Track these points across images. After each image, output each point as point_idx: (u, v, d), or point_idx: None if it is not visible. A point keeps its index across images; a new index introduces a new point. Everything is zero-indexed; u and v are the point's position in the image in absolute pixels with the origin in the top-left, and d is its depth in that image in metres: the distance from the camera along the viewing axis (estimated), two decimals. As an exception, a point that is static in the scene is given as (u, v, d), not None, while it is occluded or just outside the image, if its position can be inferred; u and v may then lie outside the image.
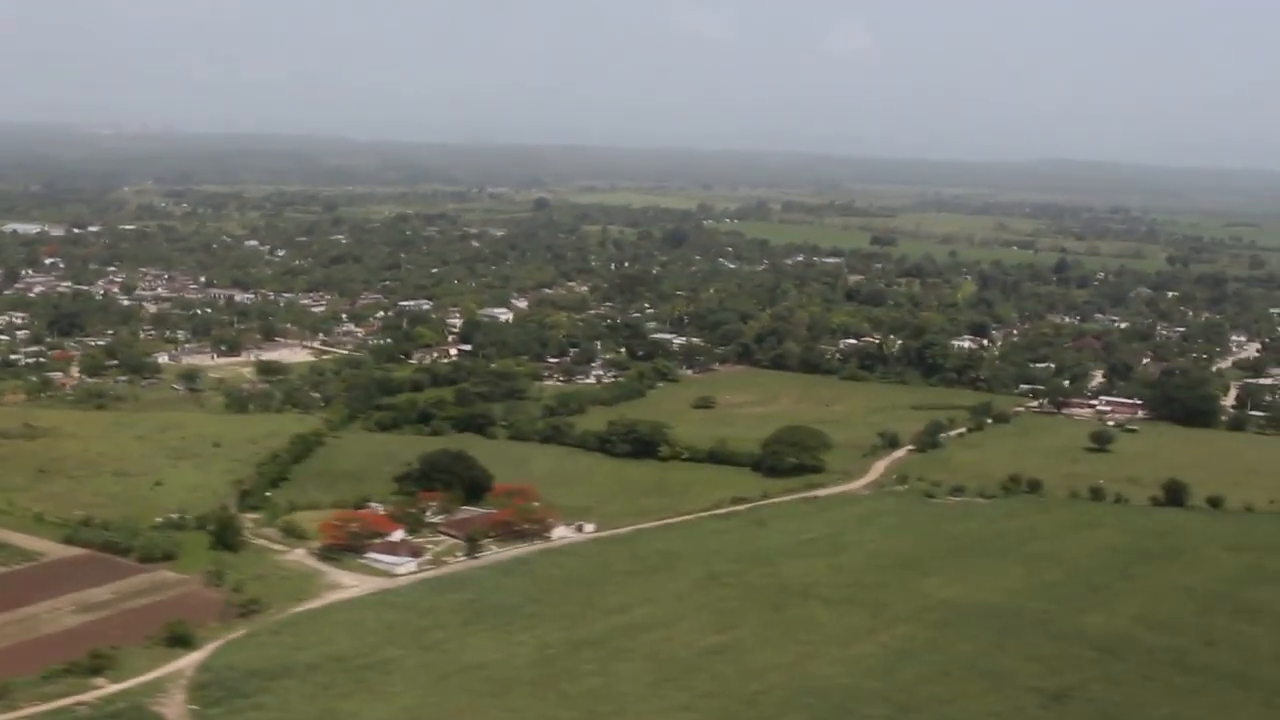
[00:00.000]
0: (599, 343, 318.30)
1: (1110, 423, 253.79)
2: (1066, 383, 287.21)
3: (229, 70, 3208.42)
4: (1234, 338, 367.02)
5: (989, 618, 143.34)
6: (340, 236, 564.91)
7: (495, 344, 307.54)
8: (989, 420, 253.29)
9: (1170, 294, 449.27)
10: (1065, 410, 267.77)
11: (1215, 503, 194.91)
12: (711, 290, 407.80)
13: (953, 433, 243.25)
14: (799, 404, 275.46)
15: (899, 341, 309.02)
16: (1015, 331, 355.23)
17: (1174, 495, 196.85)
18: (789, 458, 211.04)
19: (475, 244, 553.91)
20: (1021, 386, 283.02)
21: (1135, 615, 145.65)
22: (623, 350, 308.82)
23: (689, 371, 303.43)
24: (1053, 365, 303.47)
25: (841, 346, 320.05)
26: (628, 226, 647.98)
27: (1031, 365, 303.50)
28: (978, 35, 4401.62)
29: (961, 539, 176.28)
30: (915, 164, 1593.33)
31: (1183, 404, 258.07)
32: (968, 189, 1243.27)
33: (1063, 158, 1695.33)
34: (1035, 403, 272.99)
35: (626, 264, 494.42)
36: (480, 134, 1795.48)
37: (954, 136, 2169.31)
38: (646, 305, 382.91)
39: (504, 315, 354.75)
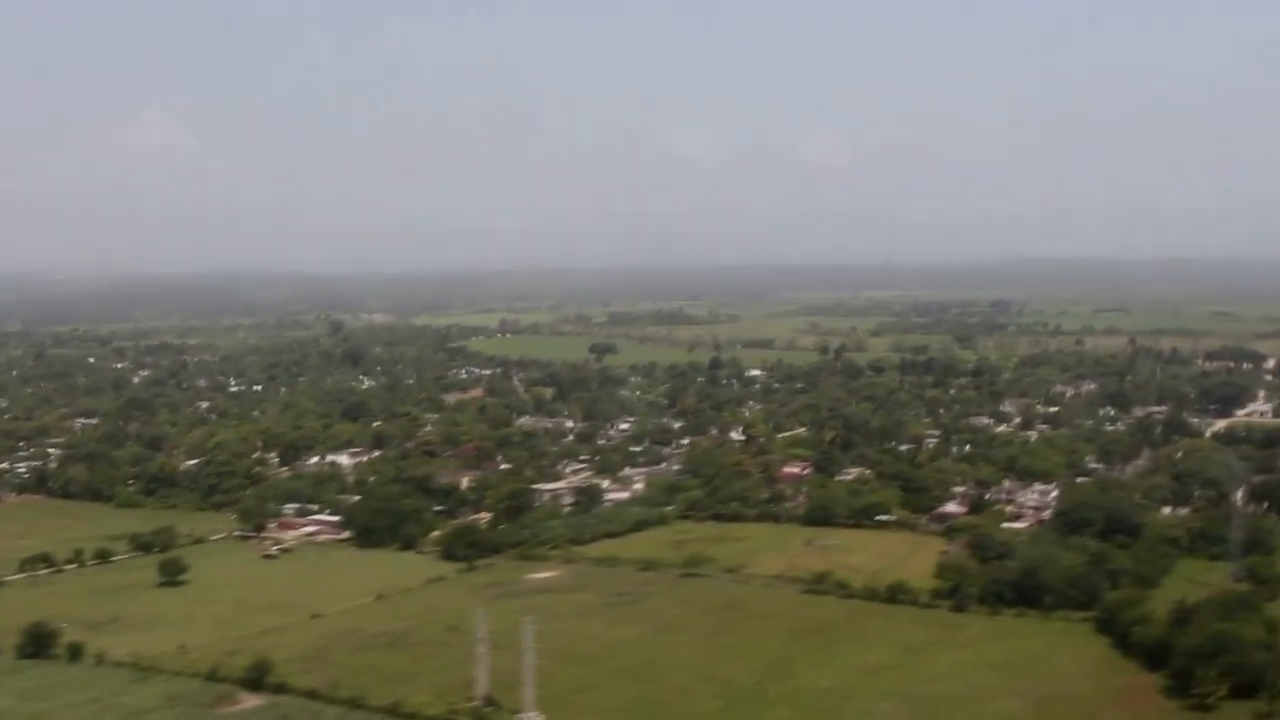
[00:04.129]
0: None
1: (274, 548, 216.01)
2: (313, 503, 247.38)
3: (207, 210, 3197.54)
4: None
5: None
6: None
7: None
8: (139, 550, 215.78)
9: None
10: (265, 533, 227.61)
11: (75, 652, 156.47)
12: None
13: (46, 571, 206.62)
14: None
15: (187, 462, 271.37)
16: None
17: (40, 644, 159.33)
18: None
19: (145, 374, 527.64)
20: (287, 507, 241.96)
21: None
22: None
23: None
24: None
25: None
26: (396, 345, 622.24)
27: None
28: (954, 145, 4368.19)
29: None
30: (870, 270, 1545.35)
31: (363, 522, 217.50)
32: (898, 291, 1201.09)
33: (1025, 256, 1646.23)
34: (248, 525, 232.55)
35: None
36: (434, 263, 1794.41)
37: (930, 240, 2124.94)
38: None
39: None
